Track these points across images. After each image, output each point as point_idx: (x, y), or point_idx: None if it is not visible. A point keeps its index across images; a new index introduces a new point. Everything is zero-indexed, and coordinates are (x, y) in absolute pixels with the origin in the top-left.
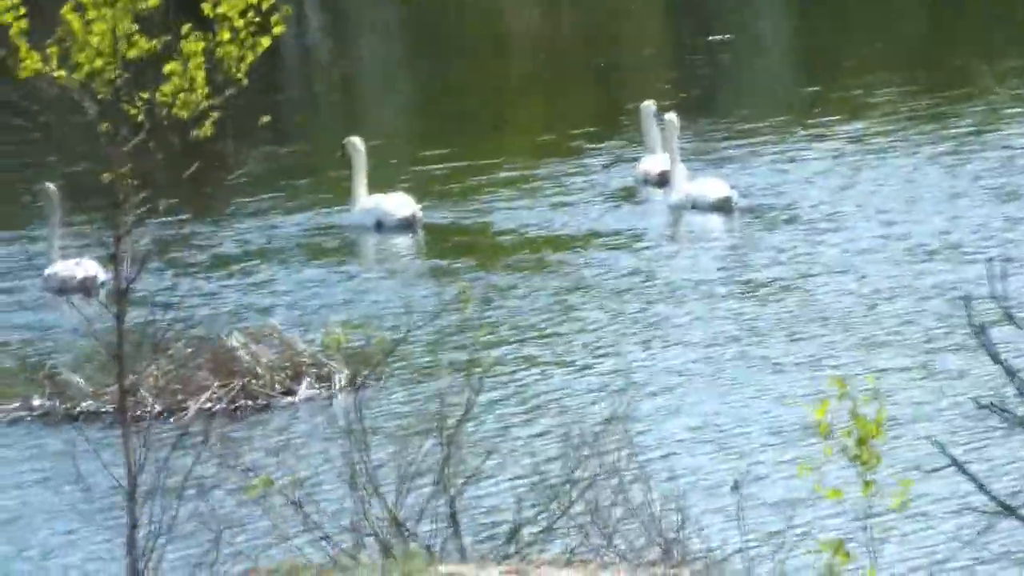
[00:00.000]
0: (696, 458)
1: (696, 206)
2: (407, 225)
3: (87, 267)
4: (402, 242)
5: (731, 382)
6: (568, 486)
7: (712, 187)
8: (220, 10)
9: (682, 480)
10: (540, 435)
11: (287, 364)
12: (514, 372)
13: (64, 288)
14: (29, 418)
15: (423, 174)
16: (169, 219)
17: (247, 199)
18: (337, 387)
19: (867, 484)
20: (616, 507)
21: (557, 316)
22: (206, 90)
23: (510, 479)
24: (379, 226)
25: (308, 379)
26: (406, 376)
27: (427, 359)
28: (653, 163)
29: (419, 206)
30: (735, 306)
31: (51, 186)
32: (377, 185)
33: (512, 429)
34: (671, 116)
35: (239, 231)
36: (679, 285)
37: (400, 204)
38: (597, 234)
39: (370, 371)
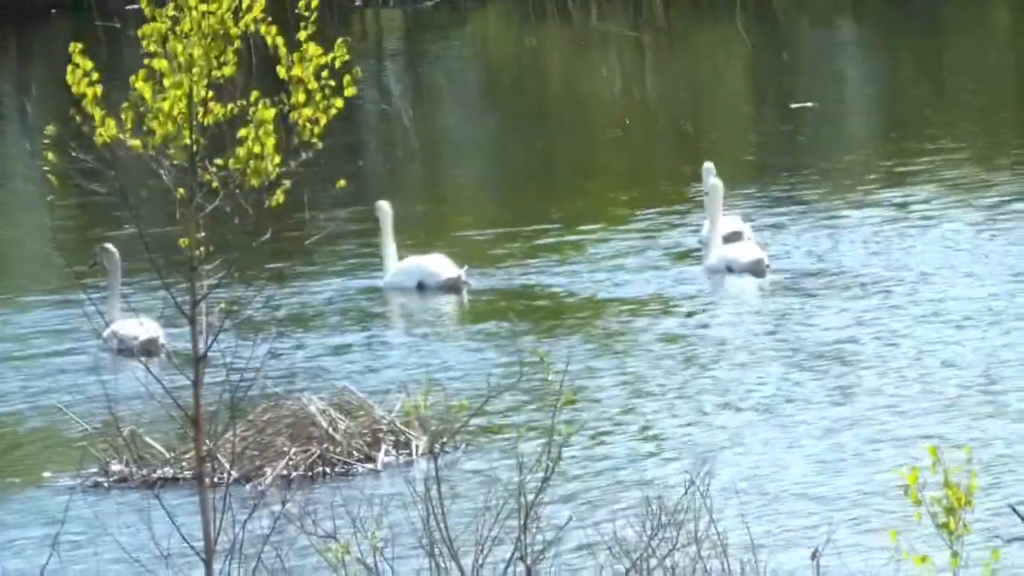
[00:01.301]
0: (774, 525)
1: (731, 269)
2: (451, 287)
3: (149, 327)
4: (449, 304)
5: (804, 448)
6: (647, 553)
7: (745, 251)
8: (294, 72)
9: (762, 548)
10: (618, 501)
11: (365, 430)
12: (588, 438)
13: (125, 348)
14: (107, 483)
15: (479, 236)
16: (243, 283)
17: (315, 262)
18: (416, 453)
19: (954, 556)
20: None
21: (621, 381)
22: (276, 159)
23: (588, 545)
24: (420, 287)
25: (386, 445)
26: (484, 442)
27: (504, 425)
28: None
29: (464, 268)
30: (795, 371)
31: (110, 247)
32: (434, 246)
33: (590, 494)
34: (715, 180)
35: (299, 294)
36: (733, 347)
37: (442, 265)
38: (645, 297)
39: (449, 438)
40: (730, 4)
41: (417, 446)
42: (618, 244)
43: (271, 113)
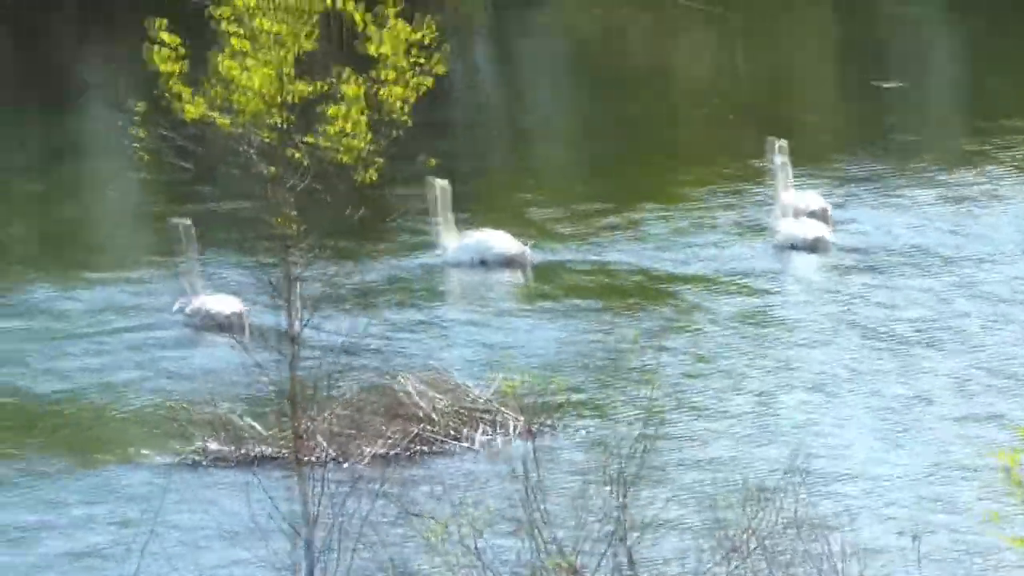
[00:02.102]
0: (872, 508)
1: (795, 246)
2: (513, 263)
3: (231, 303)
4: (517, 281)
5: (888, 428)
6: (747, 535)
7: (808, 228)
8: (383, 50)
9: (862, 530)
10: (714, 483)
11: (461, 410)
12: (679, 419)
13: (209, 323)
14: (205, 462)
15: (561, 212)
16: (335, 263)
17: (389, 239)
18: (512, 433)
19: None
20: (795, 557)
21: (700, 361)
22: (368, 135)
23: (687, 527)
24: (483, 263)
25: (483, 425)
26: (580, 423)
27: (598, 404)
28: (789, 199)
29: (528, 244)
30: (871, 351)
31: (186, 222)
32: (512, 222)
33: (686, 475)
34: (782, 158)
35: (374, 271)
36: (803, 326)
37: (505, 241)
38: (714, 274)
39: (546, 418)
40: None
41: (513, 426)
42: (693, 220)
43: (361, 90)
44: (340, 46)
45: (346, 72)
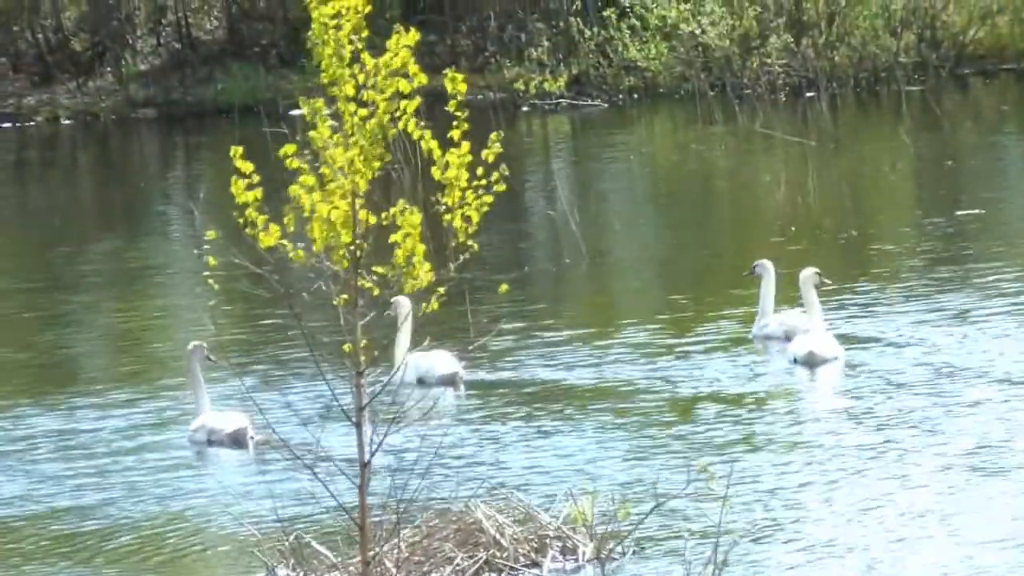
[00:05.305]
0: None
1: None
2: (448, 381)
3: (237, 419)
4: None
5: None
6: None
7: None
8: (448, 174)
9: None
10: None
11: (531, 535)
12: (751, 540)
13: (215, 440)
14: None
15: (638, 337)
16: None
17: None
18: (582, 559)
19: None
20: None
21: (764, 479)
22: (427, 265)
23: None
24: (420, 381)
25: (552, 551)
26: (651, 548)
27: (669, 528)
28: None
29: (462, 363)
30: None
31: (200, 344)
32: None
33: None
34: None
35: (462, 395)
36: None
37: (440, 361)
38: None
39: (616, 544)
40: (895, 112)
41: (583, 552)
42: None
43: (417, 218)
44: (418, 172)
45: (400, 203)
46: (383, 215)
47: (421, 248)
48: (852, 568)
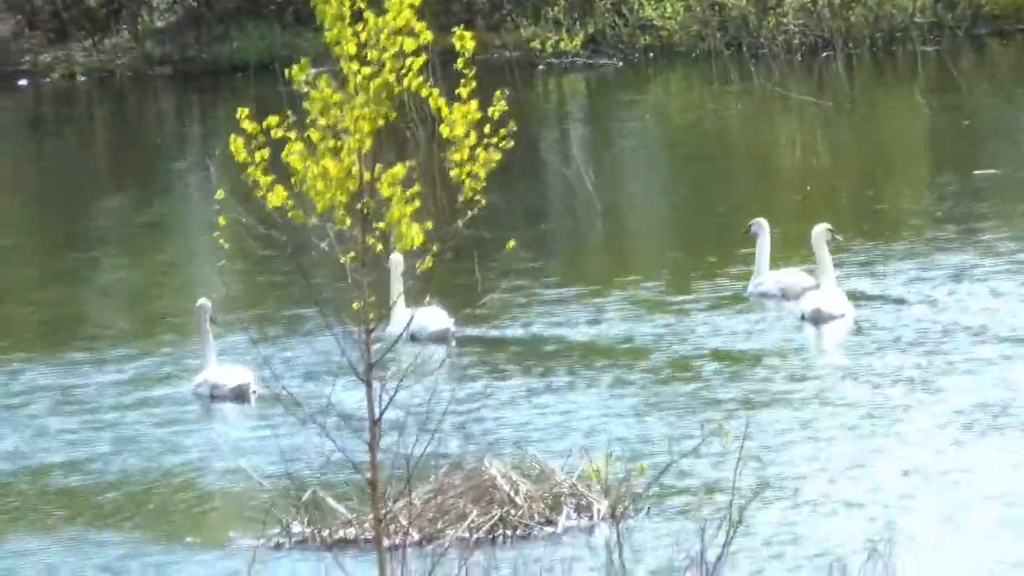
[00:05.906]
0: None
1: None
2: (439, 338)
3: (240, 374)
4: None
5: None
6: None
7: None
8: (456, 132)
9: None
10: (800, 567)
11: (545, 493)
12: (765, 500)
13: (216, 395)
14: (288, 545)
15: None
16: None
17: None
18: (597, 517)
19: None
20: None
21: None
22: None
23: None
24: (413, 338)
25: (567, 509)
26: (665, 506)
27: (684, 486)
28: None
29: (452, 320)
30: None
31: (205, 302)
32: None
33: (772, 559)
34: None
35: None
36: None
37: (433, 317)
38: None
39: (631, 502)
40: (911, 72)
41: (598, 510)
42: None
43: (401, 171)
44: (433, 131)
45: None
46: (376, 170)
47: (408, 208)
48: (861, 523)
